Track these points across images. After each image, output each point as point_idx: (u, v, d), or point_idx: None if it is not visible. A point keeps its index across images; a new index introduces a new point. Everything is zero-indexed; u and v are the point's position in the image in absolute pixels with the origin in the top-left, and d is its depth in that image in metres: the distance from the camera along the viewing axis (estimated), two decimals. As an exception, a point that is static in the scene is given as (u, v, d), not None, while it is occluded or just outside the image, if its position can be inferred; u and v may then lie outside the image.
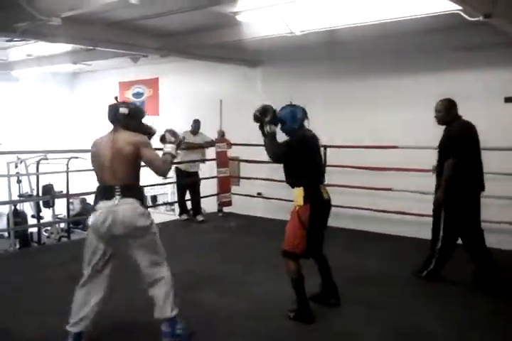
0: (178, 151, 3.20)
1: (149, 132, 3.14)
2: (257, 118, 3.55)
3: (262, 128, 3.51)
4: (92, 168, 3.08)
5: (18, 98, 10.00)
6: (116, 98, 3.19)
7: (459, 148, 3.95)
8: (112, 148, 2.93)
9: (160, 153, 3.05)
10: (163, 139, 3.13)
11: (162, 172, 3.00)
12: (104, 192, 2.92)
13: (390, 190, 6.10)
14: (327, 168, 6.38)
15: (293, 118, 3.52)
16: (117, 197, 2.86)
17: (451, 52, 6.00)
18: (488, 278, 4.03)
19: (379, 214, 6.24)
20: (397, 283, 4.32)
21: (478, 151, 4.09)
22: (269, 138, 3.46)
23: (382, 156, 6.21)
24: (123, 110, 3.02)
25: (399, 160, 5.98)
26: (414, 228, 6.01)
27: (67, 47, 7.06)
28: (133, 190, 2.94)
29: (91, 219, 2.92)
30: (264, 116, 3.48)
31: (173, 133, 3.16)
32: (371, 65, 6.68)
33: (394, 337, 3.26)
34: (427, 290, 4.13)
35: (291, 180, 3.54)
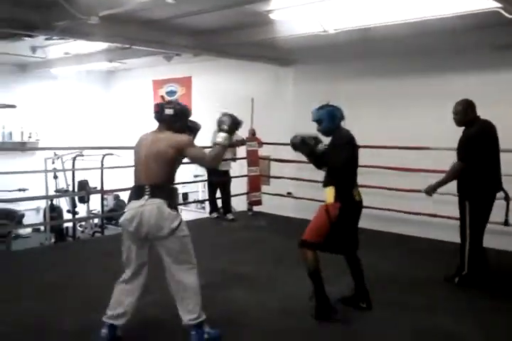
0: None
1: (196, 129, 3.17)
2: (299, 147, 3.61)
3: (308, 153, 3.60)
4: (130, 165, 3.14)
5: (56, 95, 10.28)
6: (162, 97, 3.24)
7: (471, 153, 3.94)
8: (150, 149, 2.93)
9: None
10: (219, 125, 3.04)
11: (211, 167, 2.96)
12: (135, 192, 2.93)
13: (419, 191, 5.98)
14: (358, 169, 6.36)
15: (332, 118, 3.54)
16: (146, 197, 2.85)
17: (487, 52, 5.83)
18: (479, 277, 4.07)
19: (407, 215, 6.14)
20: (425, 285, 4.26)
21: (496, 151, 4.05)
22: (324, 154, 3.54)
23: (413, 157, 6.10)
24: (168, 111, 3.03)
25: (430, 161, 5.87)
26: (444, 231, 5.92)
27: (103, 45, 7.20)
28: (163, 190, 2.89)
29: (121, 218, 2.96)
30: (309, 144, 3.55)
31: (230, 117, 3.07)
32: (405, 64, 6.55)
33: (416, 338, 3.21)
34: (453, 294, 4.06)
35: (327, 179, 3.53)
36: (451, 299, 3.95)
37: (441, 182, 4.06)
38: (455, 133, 5.95)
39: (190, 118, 3.22)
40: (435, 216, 5.90)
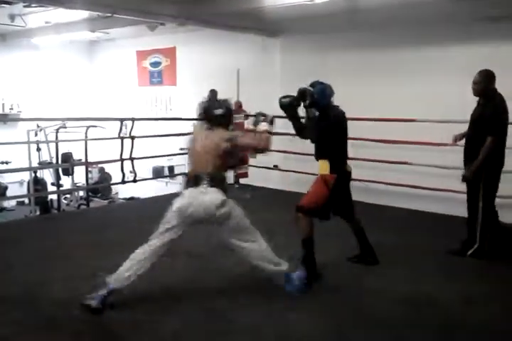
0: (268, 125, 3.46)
1: (269, 120, 3.49)
2: (290, 104, 3.69)
3: (293, 112, 3.71)
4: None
5: (38, 66, 10.01)
6: (213, 91, 3.52)
7: (500, 125, 3.92)
8: (206, 143, 3.26)
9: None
10: (255, 123, 3.48)
11: (264, 149, 3.35)
12: (193, 180, 3.23)
13: (405, 163, 6.05)
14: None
15: (323, 95, 3.68)
16: (204, 185, 3.17)
17: (477, 23, 5.77)
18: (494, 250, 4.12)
19: (393, 187, 6.22)
20: (414, 254, 4.38)
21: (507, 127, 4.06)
22: (312, 122, 3.71)
23: (400, 130, 6.12)
24: (218, 111, 3.37)
25: (417, 133, 5.90)
26: (428, 202, 6.04)
27: (85, 14, 7.00)
28: (218, 180, 3.23)
29: (178, 203, 3.21)
30: (303, 99, 3.67)
31: (261, 114, 3.52)
32: (393, 35, 6.47)
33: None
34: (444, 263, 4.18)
35: (319, 153, 3.77)
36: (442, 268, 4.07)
37: (479, 161, 3.92)
38: (442, 106, 6.03)
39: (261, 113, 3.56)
40: (418, 187, 5.97)
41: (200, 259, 4.16)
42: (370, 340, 2.90)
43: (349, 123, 5.91)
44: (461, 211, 5.77)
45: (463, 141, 4.26)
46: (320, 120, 3.71)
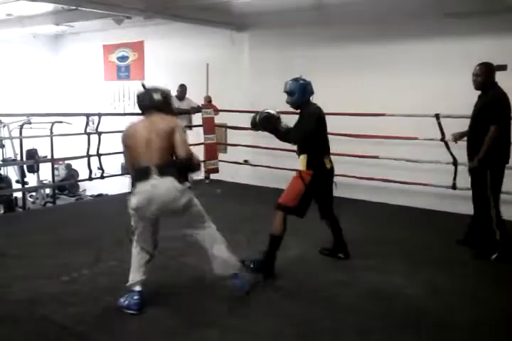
0: None
1: (197, 110, 3.33)
2: (257, 126, 3.78)
3: (271, 131, 3.80)
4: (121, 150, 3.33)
5: (0, 60, 9.70)
6: (143, 85, 3.30)
7: (502, 113, 3.92)
8: (151, 130, 3.03)
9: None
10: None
11: (184, 156, 3.01)
12: (142, 174, 3.00)
13: (376, 157, 6.13)
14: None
15: (303, 92, 3.73)
16: (156, 177, 2.95)
17: (441, 19, 5.86)
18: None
19: (364, 181, 6.31)
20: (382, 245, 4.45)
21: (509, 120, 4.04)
22: (288, 131, 3.76)
23: (371, 123, 6.18)
24: (157, 96, 3.17)
25: (386, 127, 5.99)
26: (398, 196, 6.15)
27: (49, 6, 6.81)
28: (170, 168, 3.01)
29: (133, 202, 3.02)
30: (272, 123, 3.75)
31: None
32: (358, 29, 6.49)
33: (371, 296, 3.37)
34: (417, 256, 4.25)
35: (299, 149, 3.79)
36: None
37: (484, 151, 3.91)
38: (409, 101, 6.12)
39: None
40: (388, 181, 6.08)
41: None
42: (337, 329, 2.93)
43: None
44: (429, 203, 5.96)
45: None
46: (299, 120, 3.78)
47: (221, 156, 7.65)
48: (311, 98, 3.79)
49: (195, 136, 7.33)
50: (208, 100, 7.41)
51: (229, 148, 7.96)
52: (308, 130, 3.67)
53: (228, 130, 7.87)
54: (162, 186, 2.95)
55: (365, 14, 6.27)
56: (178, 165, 3.04)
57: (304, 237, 4.47)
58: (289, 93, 3.75)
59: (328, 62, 6.88)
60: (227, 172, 7.60)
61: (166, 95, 3.25)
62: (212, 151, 7.44)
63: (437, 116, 5.45)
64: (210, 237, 3.23)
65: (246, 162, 7.73)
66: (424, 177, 5.84)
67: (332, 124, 6.21)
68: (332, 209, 3.99)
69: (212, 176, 7.65)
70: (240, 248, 3.83)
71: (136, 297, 3.11)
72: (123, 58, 9.70)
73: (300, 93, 3.72)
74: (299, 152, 3.79)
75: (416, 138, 5.80)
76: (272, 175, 7.05)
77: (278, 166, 6.81)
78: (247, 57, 7.81)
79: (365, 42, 6.53)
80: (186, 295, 3.38)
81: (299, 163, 3.77)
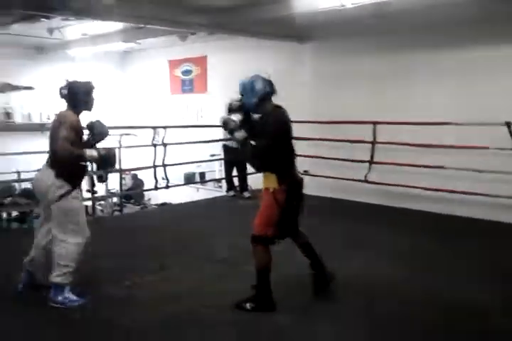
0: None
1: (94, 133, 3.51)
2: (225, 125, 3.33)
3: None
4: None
5: (74, 77, 10.30)
6: (66, 80, 3.44)
7: None
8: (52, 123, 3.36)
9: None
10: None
11: (60, 155, 3.15)
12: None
13: (442, 168, 5.93)
14: (377, 146, 6.32)
15: (252, 91, 3.17)
16: (44, 165, 3.28)
17: (508, 23, 5.63)
18: None
19: (428, 192, 6.11)
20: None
21: None
22: (242, 144, 3.25)
23: (434, 133, 6.03)
24: (63, 91, 3.37)
25: (451, 137, 5.81)
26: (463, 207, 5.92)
27: (119, 25, 7.19)
28: (55, 161, 3.22)
29: None
30: (228, 125, 3.26)
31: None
32: (423, 37, 6.38)
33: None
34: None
35: (263, 165, 3.25)
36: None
37: None
38: (477, 109, 5.90)
39: (99, 120, 3.57)
40: (455, 192, 5.86)
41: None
42: None
43: (381, 127, 5.89)
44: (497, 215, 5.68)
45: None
46: (261, 130, 3.15)
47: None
48: (273, 98, 3.26)
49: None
50: (269, 112, 7.48)
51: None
52: (271, 144, 3.09)
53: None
54: (39, 174, 3.34)
55: (429, 21, 6.13)
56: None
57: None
58: (241, 95, 3.25)
59: (391, 71, 6.79)
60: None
61: (71, 90, 3.34)
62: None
63: (508, 125, 5.24)
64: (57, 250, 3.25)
65: (306, 172, 7.71)
66: (490, 187, 5.59)
67: (398, 133, 6.22)
68: (298, 225, 3.42)
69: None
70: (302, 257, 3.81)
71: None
72: (187, 72, 10.03)
73: (250, 93, 3.17)
74: (263, 168, 3.24)
75: (486, 148, 5.56)
76: (332, 185, 7.00)
77: (338, 176, 6.77)
78: (308, 68, 7.84)
79: (429, 50, 6.39)
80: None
81: (264, 180, 3.24)
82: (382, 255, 4.40)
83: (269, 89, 3.21)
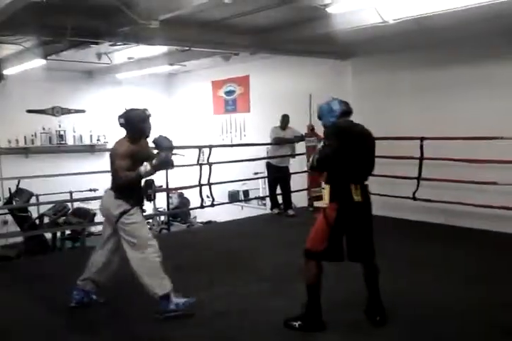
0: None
1: (161, 146, 3.69)
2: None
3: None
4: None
5: (121, 99, 10.68)
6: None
7: None
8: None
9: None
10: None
11: (120, 183, 3.48)
12: None
13: (495, 184, 5.70)
14: (425, 161, 6.17)
15: (329, 113, 3.32)
16: (107, 189, 3.63)
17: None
18: None
19: (481, 209, 5.88)
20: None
21: None
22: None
23: (483, 148, 5.83)
24: (120, 120, 3.57)
25: (503, 152, 5.60)
26: None
27: (164, 49, 7.43)
28: (116, 185, 3.54)
29: None
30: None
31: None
32: (466, 51, 6.25)
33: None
34: None
35: (325, 178, 3.26)
36: None
37: None
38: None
39: (162, 135, 3.74)
40: (507, 208, 5.62)
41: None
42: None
43: (429, 143, 5.76)
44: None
45: None
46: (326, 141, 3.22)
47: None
48: (350, 118, 3.37)
49: (299, 164, 7.41)
50: (311, 128, 7.46)
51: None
52: (325, 152, 3.13)
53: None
54: (104, 195, 3.67)
55: (473, 34, 6.00)
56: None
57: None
58: (319, 117, 3.42)
59: (433, 85, 6.67)
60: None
61: (126, 120, 3.54)
62: (315, 179, 7.44)
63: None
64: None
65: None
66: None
67: (445, 149, 6.06)
68: (369, 253, 3.26)
69: (317, 204, 7.62)
70: (351, 276, 3.74)
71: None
72: (230, 92, 10.21)
73: (327, 115, 3.33)
74: (326, 180, 3.24)
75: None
76: (378, 203, 6.83)
77: (383, 193, 6.64)
78: (349, 84, 7.81)
79: (475, 63, 6.23)
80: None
81: (325, 192, 3.24)
82: (443, 274, 4.26)
83: (346, 108, 3.34)
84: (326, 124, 3.36)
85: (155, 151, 3.77)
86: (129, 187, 3.52)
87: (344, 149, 3.13)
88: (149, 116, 3.66)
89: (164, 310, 3.42)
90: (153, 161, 3.47)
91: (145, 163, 3.46)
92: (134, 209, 3.54)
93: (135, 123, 3.56)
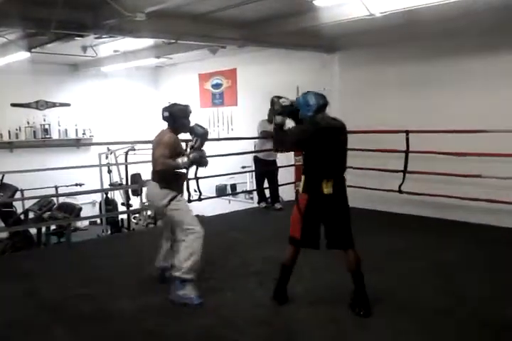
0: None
1: (197, 133, 3.80)
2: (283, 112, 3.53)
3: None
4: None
5: (107, 93, 10.61)
6: (169, 102, 3.83)
7: None
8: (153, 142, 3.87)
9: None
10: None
11: (158, 170, 3.64)
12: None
13: (479, 176, 5.77)
14: (411, 154, 6.21)
15: (306, 105, 3.38)
16: (149, 181, 3.85)
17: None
18: None
19: (465, 202, 5.95)
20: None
21: None
22: (274, 129, 3.55)
23: (466, 141, 5.89)
24: (165, 114, 3.80)
25: (486, 145, 5.66)
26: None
27: (150, 41, 7.36)
28: (155, 175, 3.74)
29: None
30: (275, 106, 3.53)
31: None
32: (452, 45, 6.28)
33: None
34: None
35: (302, 168, 3.47)
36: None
37: None
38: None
39: (198, 123, 3.83)
40: (493, 201, 5.69)
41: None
42: None
43: (414, 136, 5.79)
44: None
45: None
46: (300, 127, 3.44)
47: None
48: (327, 110, 3.43)
49: (286, 158, 7.41)
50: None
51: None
52: (294, 137, 3.37)
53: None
54: (147, 187, 3.93)
55: (456, 29, 6.04)
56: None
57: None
58: (298, 109, 3.48)
59: (420, 78, 6.70)
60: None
61: (171, 113, 3.75)
62: (301, 172, 7.46)
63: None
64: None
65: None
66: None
67: (431, 142, 6.10)
68: (344, 241, 3.36)
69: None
70: (331, 269, 3.76)
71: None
72: (217, 85, 10.16)
73: (304, 107, 3.39)
74: (302, 171, 3.46)
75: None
76: (362, 196, 6.89)
77: (371, 186, 6.68)
78: (337, 78, 7.82)
79: (461, 56, 6.28)
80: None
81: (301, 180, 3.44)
82: (427, 266, 4.31)
83: (322, 101, 3.40)
84: (304, 118, 3.44)
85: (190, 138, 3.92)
86: (173, 177, 3.72)
87: (319, 149, 3.29)
88: (190, 112, 3.84)
89: (174, 292, 3.57)
90: (191, 155, 3.61)
91: (183, 155, 3.64)
92: (179, 196, 3.74)
93: (178, 117, 3.75)
